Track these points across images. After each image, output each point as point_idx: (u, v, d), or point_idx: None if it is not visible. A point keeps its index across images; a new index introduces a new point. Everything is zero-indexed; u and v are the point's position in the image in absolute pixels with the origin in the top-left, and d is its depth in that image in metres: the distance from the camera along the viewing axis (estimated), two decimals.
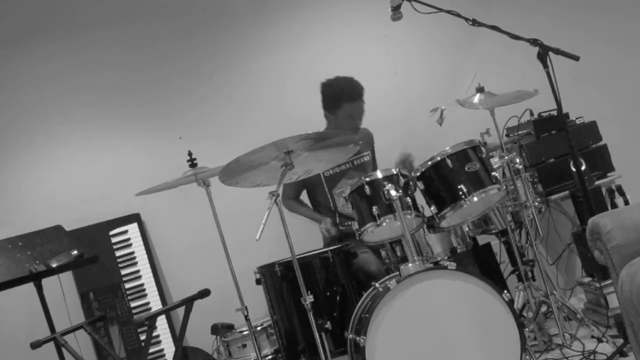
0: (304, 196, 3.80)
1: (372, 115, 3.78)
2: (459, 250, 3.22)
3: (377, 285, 2.70)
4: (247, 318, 2.97)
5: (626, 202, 3.59)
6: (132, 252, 3.96)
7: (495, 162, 3.06)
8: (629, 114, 4.28)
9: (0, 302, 3.78)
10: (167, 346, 3.83)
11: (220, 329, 3.24)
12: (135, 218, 4.01)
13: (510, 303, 2.58)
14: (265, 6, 4.29)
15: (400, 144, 3.93)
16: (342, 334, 2.79)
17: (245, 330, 3.15)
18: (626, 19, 4.35)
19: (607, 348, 2.96)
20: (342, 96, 3.50)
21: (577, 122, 3.84)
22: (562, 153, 3.67)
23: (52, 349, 3.11)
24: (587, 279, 3.50)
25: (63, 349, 3.07)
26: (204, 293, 3.03)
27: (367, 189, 2.82)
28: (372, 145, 3.81)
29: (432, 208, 2.93)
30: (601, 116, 3.89)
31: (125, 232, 3.99)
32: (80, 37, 4.17)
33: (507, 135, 3.94)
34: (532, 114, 3.79)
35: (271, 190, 2.55)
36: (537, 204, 3.25)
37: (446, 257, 3.14)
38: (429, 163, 2.92)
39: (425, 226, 3.04)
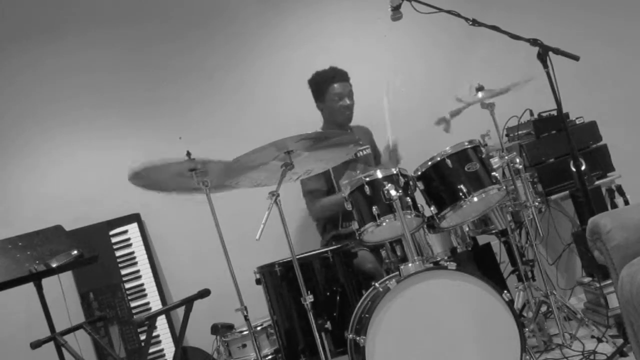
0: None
1: (372, 114, 3.78)
2: (459, 250, 3.22)
3: (377, 285, 2.70)
4: (247, 318, 2.96)
5: (626, 202, 3.59)
6: (132, 252, 3.96)
7: (495, 162, 3.06)
8: (629, 114, 4.27)
9: (0, 302, 3.78)
10: (167, 346, 3.83)
11: (220, 329, 3.24)
12: (135, 218, 4.01)
13: (510, 303, 2.58)
14: (265, 5, 4.29)
15: (400, 143, 3.94)
16: (342, 334, 2.78)
17: (245, 330, 3.14)
18: (626, 19, 4.35)
19: (607, 348, 2.96)
20: (327, 79, 3.62)
21: (577, 122, 3.84)
22: (562, 153, 3.67)
23: (52, 349, 3.11)
24: (587, 279, 3.50)
25: (63, 349, 3.07)
26: (204, 293, 3.03)
27: (367, 189, 2.83)
28: (372, 140, 3.83)
29: (432, 208, 2.94)
30: (601, 116, 3.89)
31: (125, 232, 3.99)
32: (79, 37, 4.17)
33: (507, 135, 3.94)
34: (532, 114, 3.80)
35: (271, 190, 2.55)
36: (537, 204, 3.25)
37: (446, 257, 3.14)
38: (429, 163, 2.93)
39: (425, 226, 3.05)
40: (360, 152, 3.66)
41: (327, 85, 3.60)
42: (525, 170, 3.34)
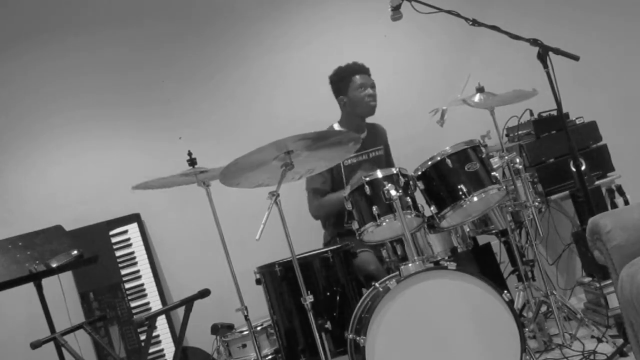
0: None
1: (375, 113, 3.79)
2: (459, 250, 3.22)
3: (377, 285, 2.70)
4: (247, 318, 2.97)
5: (626, 202, 3.58)
6: (132, 252, 3.97)
7: (495, 162, 3.06)
8: (629, 114, 4.27)
9: (0, 302, 3.78)
10: (167, 346, 3.83)
11: (220, 329, 3.24)
12: (135, 218, 4.01)
13: (510, 303, 2.58)
14: (265, 6, 4.29)
15: (400, 143, 3.94)
16: (342, 334, 2.78)
17: (245, 330, 3.15)
18: (626, 19, 4.35)
19: (607, 348, 2.96)
20: (349, 72, 3.60)
21: (577, 122, 3.84)
22: (562, 153, 3.67)
23: (52, 349, 3.11)
24: (587, 279, 3.50)
25: (63, 349, 3.07)
26: (204, 293, 3.03)
27: (367, 189, 2.83)
28: (386, 141, 3.81)
29: (432, 208, 2.93)
30: (601, 116, 3.89)
31: (125, 232, 3.99)
32: (80, 37, 4.17)
33: (507, 135, 3.95)
34: (532, 114, 3.79)
35: (271, 190, 2.55)
36: (537, 204, 3.24)
37: (446, 257, 3.14)
38: (429, 163, 2.92)
39: (425, 226, 3.05)
40: (373, 153, 3.65)
41: (350, 77, 3.59)
42: (525, 170, 3.34)
